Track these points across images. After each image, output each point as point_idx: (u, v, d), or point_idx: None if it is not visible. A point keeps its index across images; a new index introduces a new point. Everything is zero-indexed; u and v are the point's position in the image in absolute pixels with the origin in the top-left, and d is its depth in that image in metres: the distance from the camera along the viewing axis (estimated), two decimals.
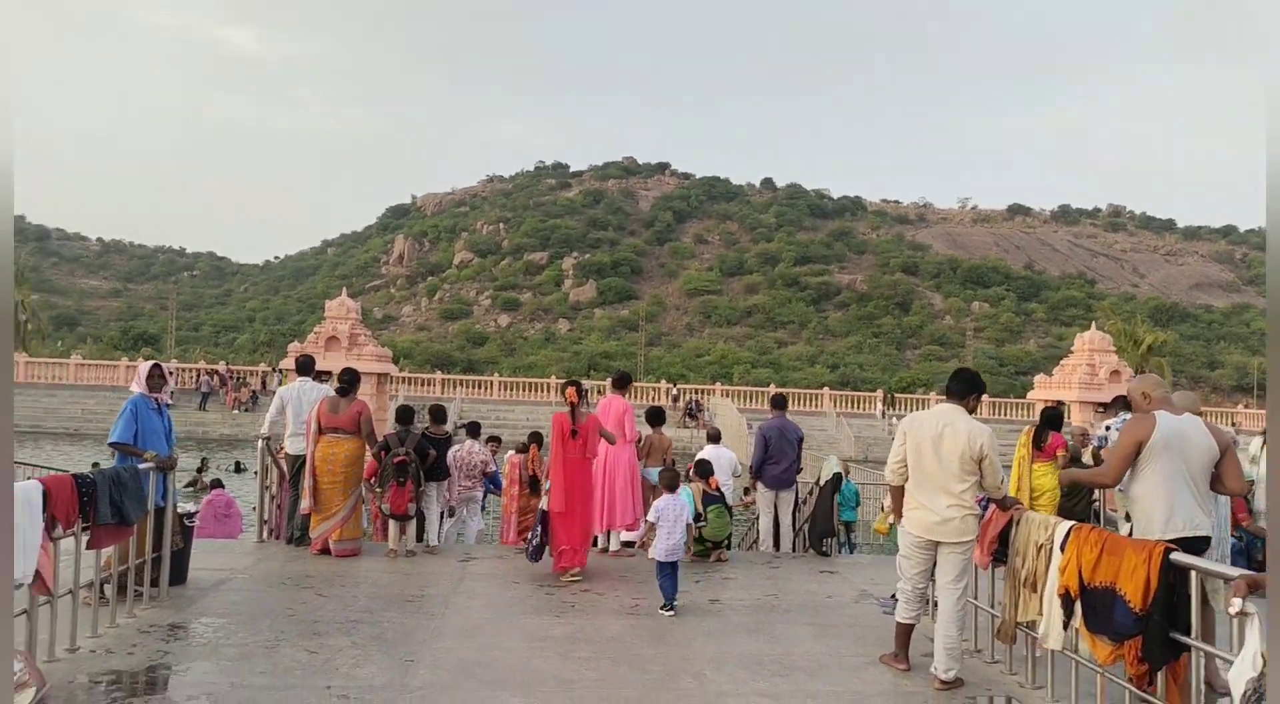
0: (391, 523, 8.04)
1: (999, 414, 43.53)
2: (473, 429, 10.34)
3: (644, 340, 74.80)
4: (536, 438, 9.67)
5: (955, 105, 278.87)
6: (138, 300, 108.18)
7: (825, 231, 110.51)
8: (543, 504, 7.77)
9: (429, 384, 42.47)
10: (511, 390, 42.81)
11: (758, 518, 10.40)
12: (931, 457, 4.80)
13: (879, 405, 42.96)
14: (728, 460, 9.99)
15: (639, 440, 8.75)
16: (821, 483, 9.77)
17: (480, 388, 43.05)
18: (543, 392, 42.03)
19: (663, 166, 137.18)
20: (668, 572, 6.51)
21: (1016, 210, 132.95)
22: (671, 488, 7.13)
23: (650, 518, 6.98)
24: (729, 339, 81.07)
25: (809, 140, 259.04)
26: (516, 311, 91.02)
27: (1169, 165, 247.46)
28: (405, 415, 8.39)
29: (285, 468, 8.46)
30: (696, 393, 43.44)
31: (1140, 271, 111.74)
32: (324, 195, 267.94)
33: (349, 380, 8.05)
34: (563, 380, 46.79)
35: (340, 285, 29.60)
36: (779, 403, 10.08)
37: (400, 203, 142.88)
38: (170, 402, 6.56)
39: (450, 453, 9.05)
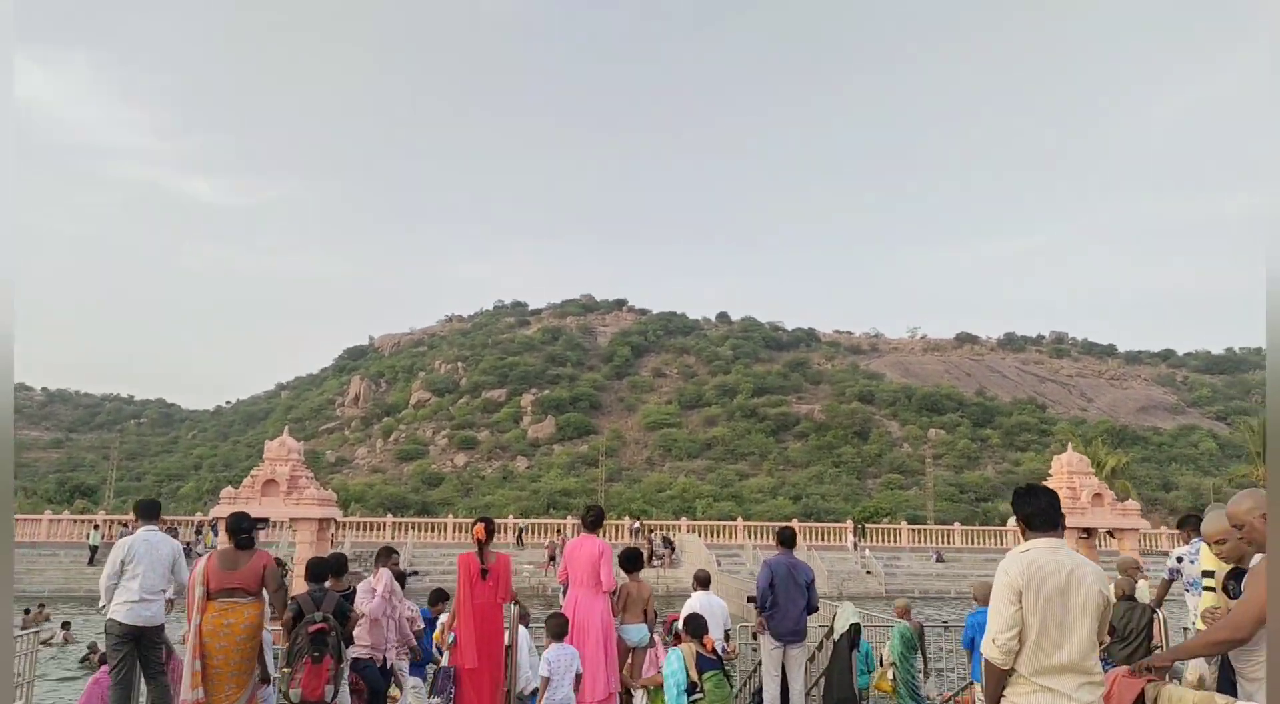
0: None
1: (971, 543, 42.59)
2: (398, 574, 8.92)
3: (604, 476, 73.39)
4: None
5: (900, 237, 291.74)
6: (79, 450, 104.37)
7: (781, 363, 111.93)
8: (444, 659, 6.86)
9: (378, 528, 40.64)
10: (466, 532, 40.99)
11: (750, 676, 8.87)
12: (1059, 621, 3.47)
13: (849, 537, 41.73)
14: (720, 611, 8.47)
15: (614, 591, 7.39)
16: (835, 635, 8.23)
17: (433, 531, 41.26)
18: (500, 533, 40.47)
19: (620, 303, 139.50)
20: None
21: (964, 338, 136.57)
22: (559, 636, 6.68)
23: (543, 672, 6.45)
24: (690, 472, 79.96)
25: (761, 274, 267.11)
26: (474, 450, 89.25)
27: (1107, 291, 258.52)
28: (318, 571, 6.76)
29: (104, 645, 6.93)
30: (661, 528, 42.03)
31: (1088, 396, 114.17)
32: (280, 338, 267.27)
33: (247, 528, 6.50)
34: (517, 519, 44.80)
35: (292, 428, 28.56)
36: (787, 539, 8.42)
37: (357, 344, 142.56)
38: None
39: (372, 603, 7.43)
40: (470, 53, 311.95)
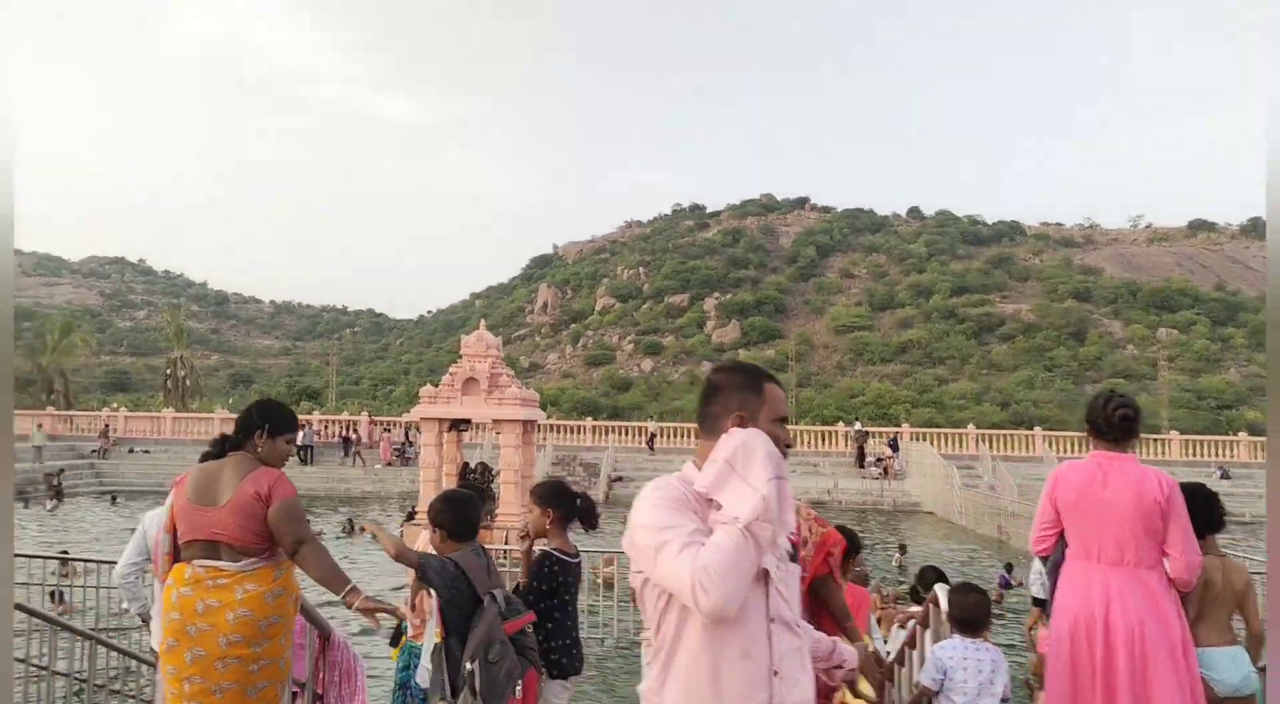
0: None
1: (1261, 456, 35.07)
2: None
3: (793, 381, 71.20)
4: None
5: (1115, 116, 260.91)
6: (305, 357, 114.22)
7: (982, 259, 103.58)
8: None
9: (578, 431, 39.01)
10: (668, 437, 37.87)
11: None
12: None
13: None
14: None
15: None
16: None
17: (625, 435, 38.87)
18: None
19: (802, 201, 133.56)
20: None
21: (1199, 226, 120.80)
22: (972, 626, 3.73)
23: (924, 681, 3.66)
24: (884, 377, 76.21)
25: (954, 164, 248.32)
26: (659, 355, 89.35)
27: None
28: (465, 510, 3.66)
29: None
30: (880, 434, 37.50)
31: None
32: (471, 249, 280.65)
33: (240, 427, 3.52)
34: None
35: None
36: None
37: (543, 253, 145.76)
38: None
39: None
40: None
